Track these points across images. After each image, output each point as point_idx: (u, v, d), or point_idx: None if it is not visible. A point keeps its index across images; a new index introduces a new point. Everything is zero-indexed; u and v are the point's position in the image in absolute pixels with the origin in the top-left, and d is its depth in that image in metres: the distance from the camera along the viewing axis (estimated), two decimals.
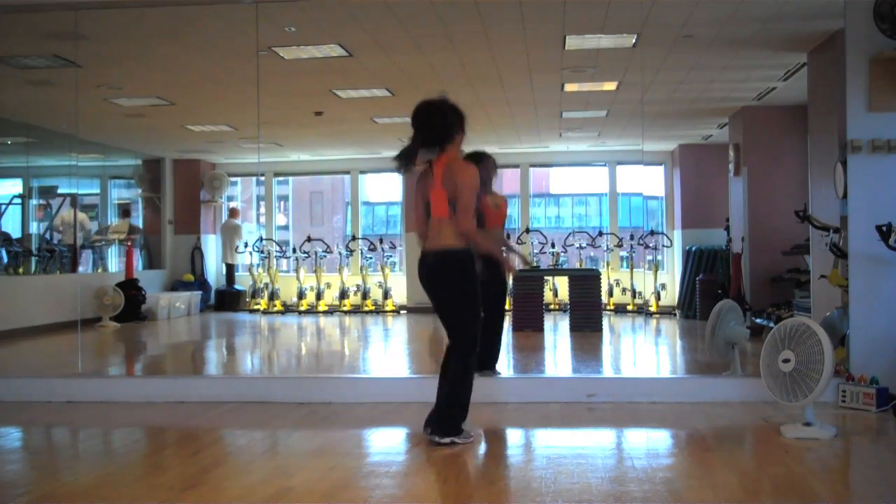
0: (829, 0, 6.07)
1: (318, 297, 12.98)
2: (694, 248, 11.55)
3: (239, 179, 14.96)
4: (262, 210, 14.57)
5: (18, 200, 11.66)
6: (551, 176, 14.47)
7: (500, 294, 6.36)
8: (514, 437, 5.10)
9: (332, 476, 3.98)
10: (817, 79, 7.47)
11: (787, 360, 4.59)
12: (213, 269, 14.25)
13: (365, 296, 12.93)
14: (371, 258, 13.35)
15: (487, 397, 5.78)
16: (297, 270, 13.13)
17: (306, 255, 13.08)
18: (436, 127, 4.47)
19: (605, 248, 12.39)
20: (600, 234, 12.51)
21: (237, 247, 13.61)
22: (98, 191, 13.62)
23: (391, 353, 9.19)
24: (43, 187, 12.40)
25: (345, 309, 12.86)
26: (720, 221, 11.40)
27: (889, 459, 4.39)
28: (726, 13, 6.50)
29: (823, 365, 4.49)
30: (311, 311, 12.86)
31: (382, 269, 12.92)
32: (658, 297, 11.62)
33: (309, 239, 13.21)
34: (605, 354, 8.70)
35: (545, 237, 12.64)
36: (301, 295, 13.01)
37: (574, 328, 9.89)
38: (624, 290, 11.88)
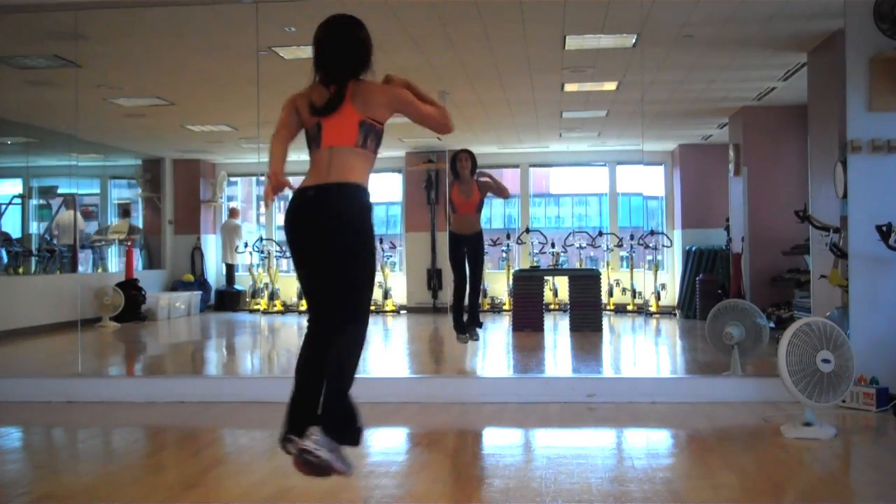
0: (829, 0, 6.07)
1: None
2: (694, 248, 11.55)
3: (239, 179, 14.95)
4: (262, 210, 14.56)
5: (18, 200, 11.66)
6: (551, 176, 14.44)
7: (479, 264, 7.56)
8: (514, 437, 5.09)
9: (331, 476, 3.97)
10: (817, 79, 7.46)
11: (827, 361, 4.59)
12: (213, 269, 14.24)
13: None
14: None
15: (488, 397, 5.79)
16: None
17: None
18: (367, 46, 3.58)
19: (605, 248, 12.37)
20: (600, 234, 12.49)
21: (237, 247, 13.60)
22: (98, 191, 13.62)
23: (391, 353, 9.19)
24: (43, 187, 12.39)
25: None
26: (720, 221, 11.39)
27: (889, 459, 4.39)
28: (726, 13, 6.50)
29: (854, 370, 4.64)
30: None
31: (382, 269, 12.89)
32: (658, 297, 11.61)
33: None
34: (605, 354, 8.70)
35: (545, 237, 12.63)
36: (301, 295, 13.00)
37: (574, 328, 9.88)
38: (624, 290, 11.86)
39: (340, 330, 3.29)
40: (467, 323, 7.61)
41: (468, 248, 7.46)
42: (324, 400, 3.24)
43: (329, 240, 3.28)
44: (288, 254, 13.31)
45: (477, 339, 7.77)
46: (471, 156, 7.50)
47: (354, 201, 3.32)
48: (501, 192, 7.59)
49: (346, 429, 3.25)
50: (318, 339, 3.35)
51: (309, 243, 3.34)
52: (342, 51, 3.47)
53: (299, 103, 3.51)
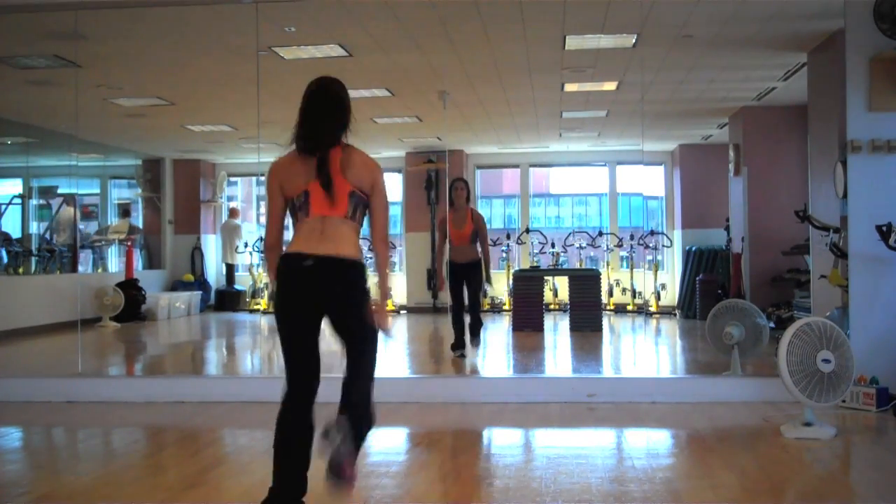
0: (829, 0, 6.08)
1: None
2: (694, 248, 11.55)
3: (239, 179, 14.95)
4: (262, 210, 14.55)
5: (18, 200, 11.66)
6: (551, 176, 14.44)
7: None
8: (514, 437, 5.09)
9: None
10: (817, 79, 7.46)
11: (827, 361, 4.60)
12: (213, 269, 14.24)
13: None
14: (371, 258, 13.33)
15: (488, 397, 5.79)
16: None
17: None
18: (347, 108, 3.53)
19: (605, 248, 12.38)
20: (600, 234, 12.50)
21: (237, 247, 13.60)
22: (98, 191, 13.62)
23: (391, 353, 9.18)
24: (43, 187, 12.39)
25: None
26: (720, 221, 11.40)
27: (889, 459, 4.39)
28: (726, 13, 6.50)
29: (853, 370, 4.67)
30: None
31: None
32: (658, 297, 11.62)
33: None
34: (605, 354, 8.70)
35: (545, 237, 12.63)
36: None
37: (574, 328, 9.88)
38: (624, 290, 11.87)
39: (359, 355, 3.69)
40: (471, 343, 7.72)
41: (465, 277, 7.66)
42: (352, 398, 3.57)
43: (333, 314, 3.44)
44: None
45: (477, 346, 7.88)
46: (466, 185, 7.93)
47: (357, 280, 3.40)
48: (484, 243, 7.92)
49: (364, 426, 3.47)
50: (300, 406, 3.49)
51: (305, 312, 3.34)
52: (328, 113, 3.49)
53: (282, 172, 3.43)
